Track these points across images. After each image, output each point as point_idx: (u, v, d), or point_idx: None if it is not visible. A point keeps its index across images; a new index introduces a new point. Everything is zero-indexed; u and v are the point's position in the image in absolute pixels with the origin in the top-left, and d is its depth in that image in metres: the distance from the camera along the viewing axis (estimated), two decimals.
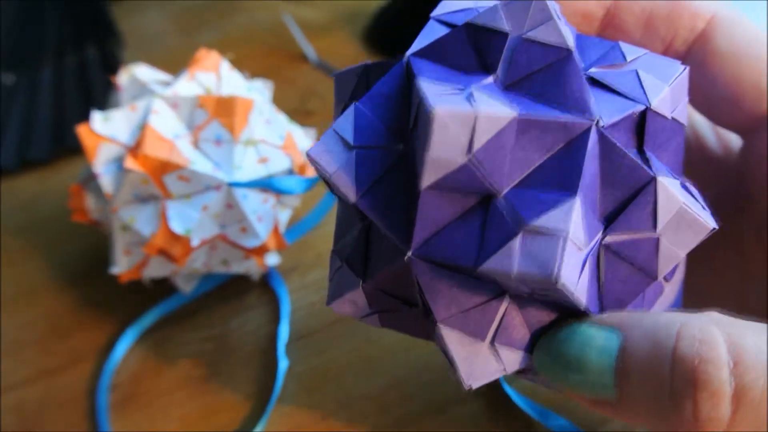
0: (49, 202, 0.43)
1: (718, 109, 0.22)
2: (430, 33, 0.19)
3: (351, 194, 0.18)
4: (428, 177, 0.17)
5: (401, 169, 0.18)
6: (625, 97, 0.18)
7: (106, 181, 0.30)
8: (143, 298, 0.36)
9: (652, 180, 0.17)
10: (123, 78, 0.33)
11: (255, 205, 0.31)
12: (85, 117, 0.45)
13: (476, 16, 0.18)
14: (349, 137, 0.18)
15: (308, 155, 0.19)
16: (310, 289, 0.35)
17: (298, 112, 0.46)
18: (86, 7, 0.54)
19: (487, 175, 0.17)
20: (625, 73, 0.18)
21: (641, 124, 0.18)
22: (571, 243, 0.16)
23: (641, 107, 0.18)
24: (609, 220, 0.18)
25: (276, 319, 0.34)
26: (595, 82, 0.18)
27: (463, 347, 0.18)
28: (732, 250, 0.23)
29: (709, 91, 0.21)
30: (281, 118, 0.34)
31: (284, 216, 0.34)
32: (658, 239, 0.18)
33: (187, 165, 0.30)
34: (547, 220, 0.16)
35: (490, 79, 0.18)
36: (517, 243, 0.16)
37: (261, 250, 0.32)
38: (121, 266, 0.32)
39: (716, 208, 0.20)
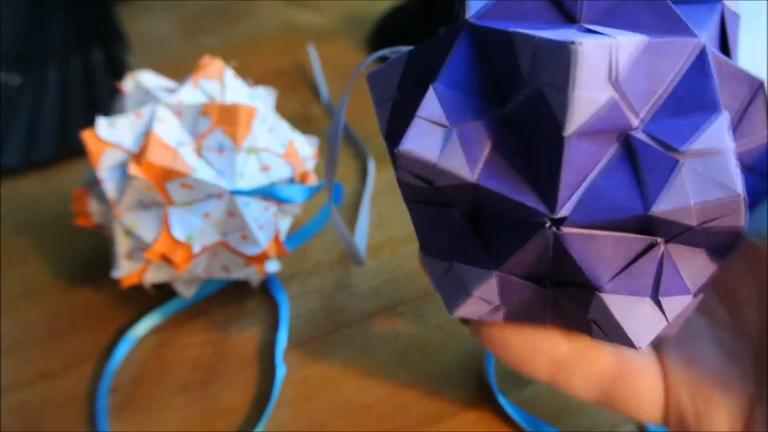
0: (52, 203, 0.43)
1: None
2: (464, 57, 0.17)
3: (466, 174, 0.16)
4: (576, 119, 0.15)
5: (511, 133, 0.17)
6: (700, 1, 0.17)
7: (110, 187, 0.31)
8: (144, 301, 0.36)
9: (761, 84, 0.17)
10: (128, 84, 0.33)
11: (256, 213, 0.32)
12: (89, 119, 0.46)
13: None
14: (442, 119, 0.17)
15: (402, 153, 0.17)
16: (310, 296, 0.36)
17: (300, 117, 0.46)
18: (93, 11, 0.55)
19: (630, 106, 0.16)
20: None
21: (722, 25, 0.17)
22: (733, 156, 0.15)
23: (719, 7, 0.17)
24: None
25: (275, 326, 0.35)
26: None
27: (628, 310, 0.17)
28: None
29: None
30: (284, 126, 0.34)
31: (285, 224, 0.34)
32: None
33: (190, 173, 0.30)
34: (705, 141, 0.15)
35: (581, 24, 0.17)
36: (683, 173, 0.15)
37: (261, 257, 0.33)
38: (122, 270, 0.32)
39: None
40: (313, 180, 0.34)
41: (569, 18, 0.17)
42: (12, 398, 0.33)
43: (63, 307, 0.37)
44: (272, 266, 0.35)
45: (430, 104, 0.17)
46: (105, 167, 0.31)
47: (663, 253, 0.17)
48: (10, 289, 0.38)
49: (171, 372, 0.33)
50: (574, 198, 0.16)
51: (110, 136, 0.31)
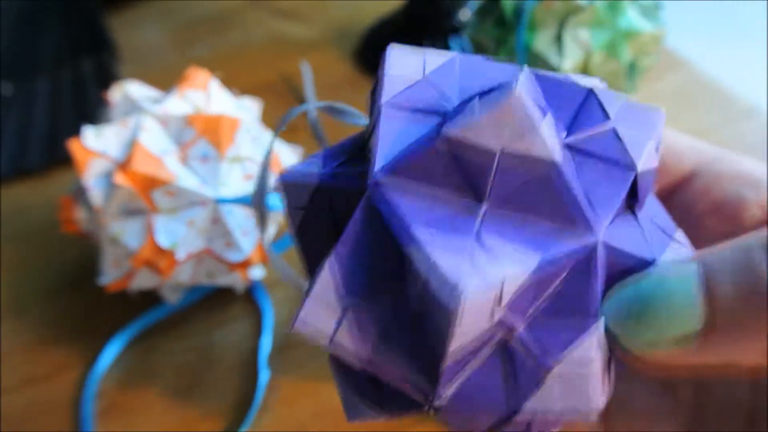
0: (41, 211, 0.43)
1: None
2: (392, 131, 0.17)
3: (363, 355, 0.16)
4: (456, 342, 0.15)
5: (404, 312, 0.16)
6: (609, 161, 0.17)
7: (96, 195, 0.31)
8: (130, 308, 0.36)
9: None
10: (115, 94, 0.34)
11: (240, 221, 0.32)
12: (79, 129, 0.46)
13: (453, 123, 0.16)
14: (334, 298, 0.17)
15: (296, 329, 0.17)
16: (293, 302, 0.36)
17: (285, 128, 0.47)
18: (83, 21, 0.56)
19: (511, 320, 0.16)
20: (606, 136, 0.17)
21: (632, 186, 0.17)
22: (599, 368, 0.16)
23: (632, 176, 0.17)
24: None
25: (259, 332, 0.35)
26: (575, 149, 0.17)
27: None
28: None
29: None
30: (268, 136, 0.35)
31: (269, 231, 0.35)
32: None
33: (175, 181, 0.31)
34: (571, 360, 0.16)
35: (484, 206, 0.16)
36: (554, 381, 0.16)
37: (245, 264, 0.33)
38: (109, 277, 0.33)
39: None
40: None
41: (476, 194, 0.16)
42: None
43: (50, 314, 0.37)
44: (256, 273, 0.35)
45: (324, 283, 0.16)
46: (91, 176, 0.31)
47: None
48: None
49: (156, 378, 0.34)
50: (452, 392, 0.16)
51: (97, 145, 0.31)
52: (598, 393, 0.16)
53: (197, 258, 0.33)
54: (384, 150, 0.16)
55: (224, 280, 0.34)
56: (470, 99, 0.16)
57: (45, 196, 0.45)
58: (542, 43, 0.36)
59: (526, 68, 0.17)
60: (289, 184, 0.18)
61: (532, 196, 0.16)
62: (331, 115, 0.23)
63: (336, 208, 0.18)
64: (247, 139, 0.33)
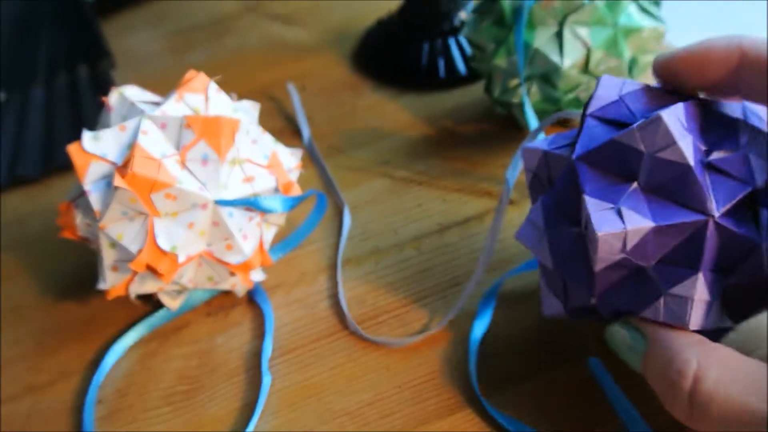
0: (38, 219, 0.43)
1: None
2: (590, 133, 0.26)
3: (549, 264, 0.27)
4: (599, 266, 0.25)
5: (580, 244, 0.26)
6: (737, 180, 0.24)
7: (95, 199, 0.31)
8: (130, 313, 0.36)
9: (758, 245, 0.24)
10: (113, 98, 0.34)
11: (240, 223, 0.32)
12: (75, 136, 0.46)
13: (619, 136, 0.25)
14: (541, 224, 0.27)
15: (516, 237, 0.28)
16: (294, 305, 0.36)
17: (284, 131, 0.46)
18: (78, 28, 0.55)
19: (637, 258, 0.25)
20: (738, 157, 0.24)
21: (752, 199, 0.24)
22: (697, 302, 0.24)
23: (748, 189, 0.24)
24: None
25: (260, 335, 0.35)
26: (713, 168, 0.24)
27: None
28: None
29: None
30: (267, 138, 0.35)
31: (269, 234, 0.35)
32: None
33: (174, 183, 0.30)
34: (682, 287, 0.24)
35: (634, 185, 0.25)
36: (661, 302, 0.25)
37: (246, 267, 0.33)
38: (108, 282, 0.33)
39: None
40: (296, 191, 0.35)
41: (627, 178, 0.25)
42: None
43: (50, 322, 0.37)
44: (257, 276, 0.35)
45: (535, 212, 0.28)
46: (90, 179, 0.31)
47: None
48: None
49: (156, 383, 0.34)
50: (602, 292, 0.27)
51: (95, 148, 0.31)
52: (693, 318, 0.24)
53: (197, 261, 0.33)
54: (583, 142, 0.26)
55: (225, 283, 0.34)
56: (645, 117, 0.25)
57: (42, 205, 0.44)
58: (542, 41, 0.36)
59: (686, 104, 0.25)
60: (527, 150, 0.29)
61: (669, 185, 0.24)
62: (564, 117, 0.38)
63: (551, 170, 0.28)
64: (246, 142, 0.33)
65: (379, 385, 0.32)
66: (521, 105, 0.39)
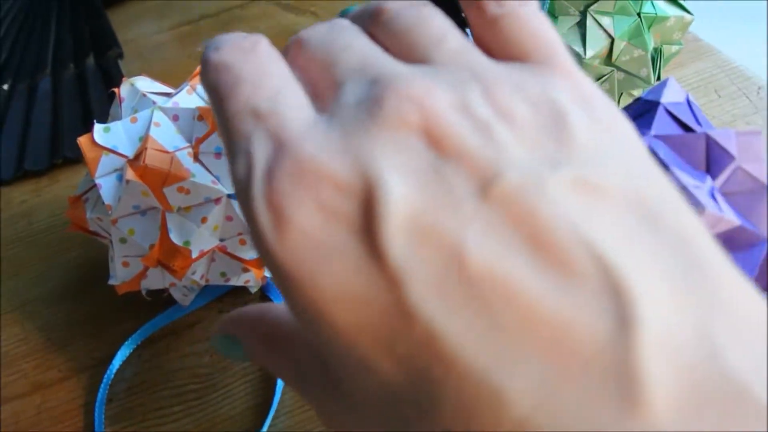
0: (46, 212, 0.42)
1: None
2: (663, 120, 0.27)
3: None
4: None
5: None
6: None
7: (106, 192, 0.30)
8: (141, 310, 0.35)
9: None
10: (124, 89, 0.33)
11: None
12: (82, 128, 0.45)
13: (714, 133, 0.25)
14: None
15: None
16: None
17: None
18: (85, 19, 0.54)
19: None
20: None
21: None
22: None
23: None
24: None
25: None
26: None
27: None
28: None
29: None
30: None
31: None
32: None
33: (188, 177, 0.30)
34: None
35: (709, 182, 0.25)
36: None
37: (260, 262, 0.32)
38: (119, 278, 0.32)
39: None
40: None
41: (706, 171, 0.25)
42: (8, 410, 0.32)
43: (58, 318, 0.36)
44: None
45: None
46: (101, 172, 0.30)
47: None
48: (5, 301, 0.37)
49: (168, 382, 0.33)
50: None
51: (107, 141, 0.30)
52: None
53: (210, 256, 0.32)
54: (659, 125, 0.26)
55: (238, 279, 0.33)
56: (710, 128, 0.26)
57: (49, 198, 0.43)
58: (564, 31, 0.35)
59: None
60: None
61: (739, 197, 0.25)
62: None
63: None
64: None
65: None
66: None
